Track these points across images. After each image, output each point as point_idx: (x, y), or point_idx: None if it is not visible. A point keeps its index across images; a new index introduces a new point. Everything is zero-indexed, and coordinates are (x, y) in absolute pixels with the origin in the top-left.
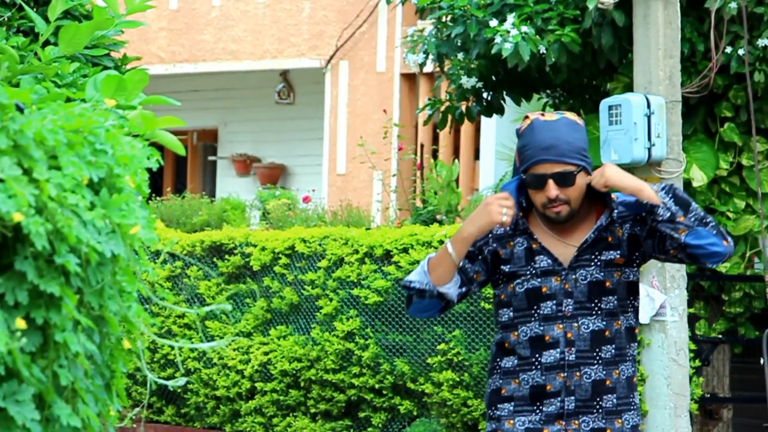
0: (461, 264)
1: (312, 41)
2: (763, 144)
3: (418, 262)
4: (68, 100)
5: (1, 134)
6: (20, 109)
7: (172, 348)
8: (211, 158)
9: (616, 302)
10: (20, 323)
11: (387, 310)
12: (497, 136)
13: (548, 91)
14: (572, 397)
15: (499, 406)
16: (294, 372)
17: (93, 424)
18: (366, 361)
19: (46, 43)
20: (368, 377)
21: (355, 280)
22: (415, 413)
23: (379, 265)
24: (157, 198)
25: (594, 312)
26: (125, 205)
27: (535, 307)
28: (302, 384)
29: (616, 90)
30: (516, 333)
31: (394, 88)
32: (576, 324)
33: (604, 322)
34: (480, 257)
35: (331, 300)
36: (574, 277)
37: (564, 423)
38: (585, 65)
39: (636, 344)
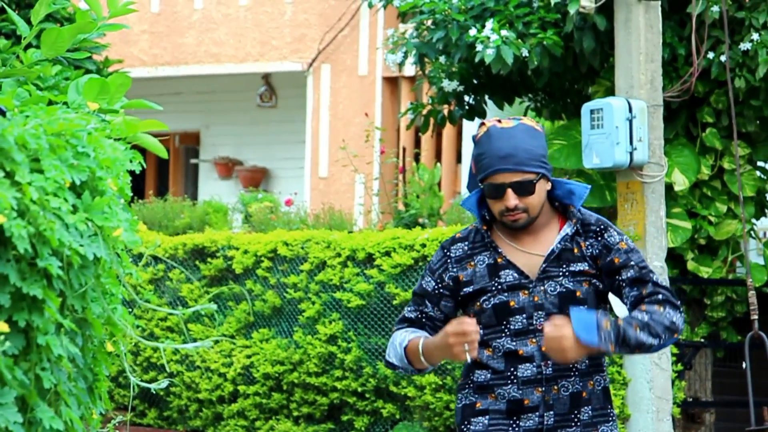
0: (431, 314)
1: (294, 44)
2: (744, 148)
3: (400, 265)
4: (50, 103)
5: None
6: (2, 113)
7: (155, 351)
8: (193, 161)
9: None
10: (3, 326)
11: (369, 314)
12: None
13: (530, 95)
14: (551, 412)
15: (473, 420)
16: (276, 375)
17: (76, 427)
18: (349, 365)
19: (28, 46)
20: (351, 380)
21: (338, 284)
22: (397, 416)
23: (362, 268)
24: (139, 201)
25: None
26: (107, 207)
27: (505, 323)
28: (285, 387)
29: (597, 94)
30: (490, 348)
31: (376, 92)
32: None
33: None
34: (442, 293)
35: (313, 303)
36: (542, 288)
37: None
38: (567, 69)
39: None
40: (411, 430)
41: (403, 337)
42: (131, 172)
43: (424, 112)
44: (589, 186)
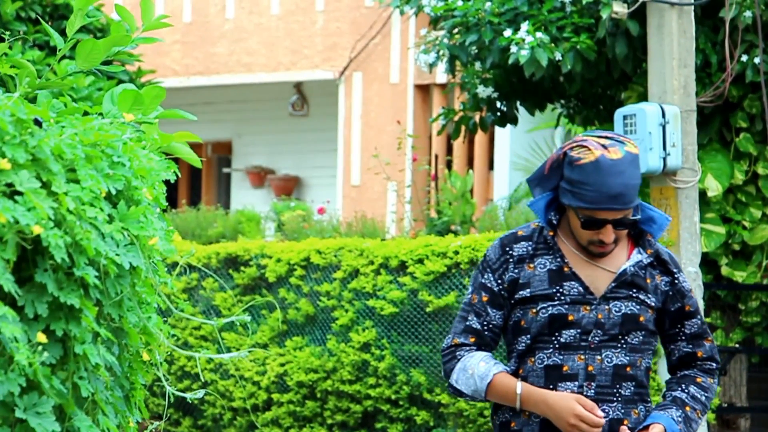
0: (494, 322)
1: (325, 53)
2: None
3: (433, 272)
4: (85, 114)
5: (19, 148)
6: (38, 124)
7: (189, 359)
8: (225, 170)
9: (641, 338)
10: (41, 337)
11: (403, 321)
12: (511, 146)
13: (562, 102)
14: None
15: None
16: (310, 383)
17: None
18: (382, 372)
19: (62, 57)
20: (384, 388)
21: (371, 291)
22: (431, 424)
23: (395, 276)
24: (173, 210)
25: (620, 345)
26: (143, 217)
27: (557, 334)
28: (318, 395)
29: (630, 100)
30: (532, 359)
31: (407, 99)
32: (599, 357)
33: (628, 358)
34: (503, 294)
35: (346, 311)
36: (607, 307)
37: None
38: (599, 75)
39: (648, 386)
40: None
41: (484, 370)
42: (165, 182)
43: (456, 118)
44: (670, 218)
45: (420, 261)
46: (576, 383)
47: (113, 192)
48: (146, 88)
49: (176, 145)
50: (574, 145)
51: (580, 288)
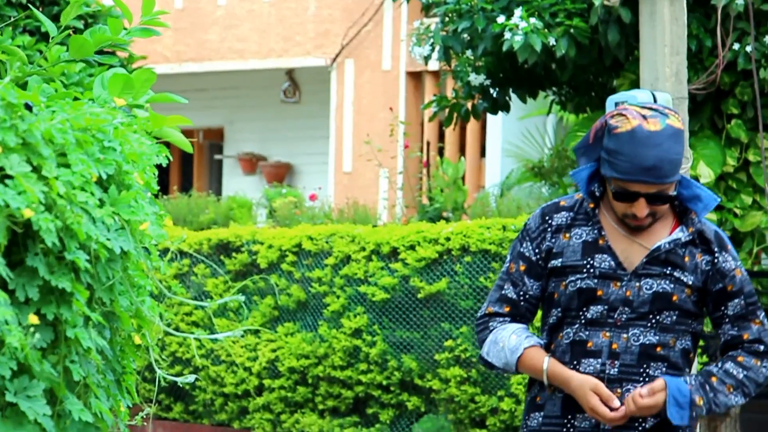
0: (531, 293)
1: (317, 40)
2: None
3: (424, 259)
4: (75, 99)
5: (10, 132)
6: (29, 108)
7: (180, 345)
8: (217, 157)
9: (675, 318)
10: (33, 319)
11: (394, 307)
12: (503, 133)
13: (554, 89)
14: None
15: (531, 415)
16: (302, 369)
17: (105, 419)
18: (373, 358)
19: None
20: (376, 374)
21: (362, 278)
22: (422, 409)
23: (386, 262)
24: (164, 197)
25: (649, 324)
26: (134, 201)
27: (584, 309)
28: (310, 381)
29: (622, 87)
30: (561, 334)
31: (399, 86)
32: (625, 335)
33: (657, 337)
34: (541, 264)
35: (338, 297)
36: (637, 284)
37: None
38: (591, 62)
39: (689, 370)
40: (436, 423)
41: (515, 344)
42: (156, 168)
43: (448, 107)
44: (719, 198)
45: (411, 247)
46: (599, 360)
47: (104, 177)
48: (137, 72)
49: (167, 130)
50: (616, 113)
51: (612, 262)
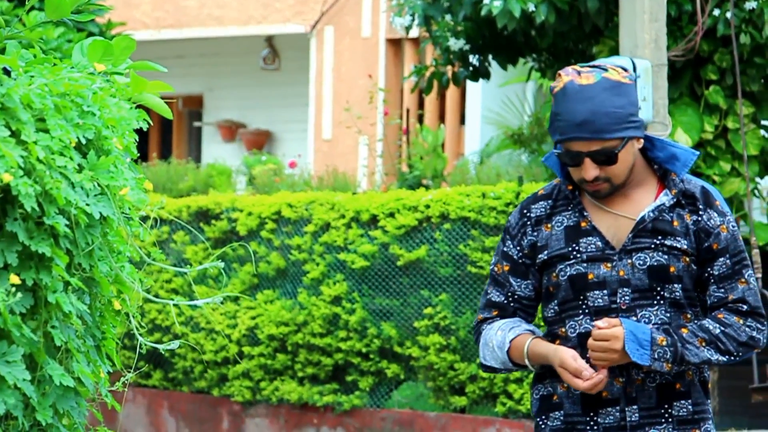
0: (519, 293)
1: (297, 6)
2: (748, 107)
3: (404, 226)
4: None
5: None
6: (7, 73)
7: (160, 312)
8: (196, 124)
9: (681, 292)
10: (14, 279)
11: (373, 275)
12: (483, 100)
13: (534, 56)
14: (635, 406)
15: (550, 415)
16: (281, 336)
17: (86, 384)
18: (353, 326)
19: (31, 8)
20: (355, 341)
21: (342, 245)
22: (402, 377)
23: (366, 229)
24: (143, 163)
25: (656, 302)
26: (113, 166)
27: (582, 298)
28: (289, 348)
29: (601, 54)
30: (563, 329)
31: (379, 54)
32: (634, 318)
33: (668, 314)
34: (526, 262)
35: (317, 264)
36: (629, 261)
37: None
38: (571, 29)
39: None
40: (415, 391)
41: (501, 339)
42: (136, 132)
43: (428, 73)
44: (698, 152)
45: (391, 215)
46: None
47: (83, 142)
48: (116, 39)
49: (147, 96)
50: (557, 75)
51: (599, 242)
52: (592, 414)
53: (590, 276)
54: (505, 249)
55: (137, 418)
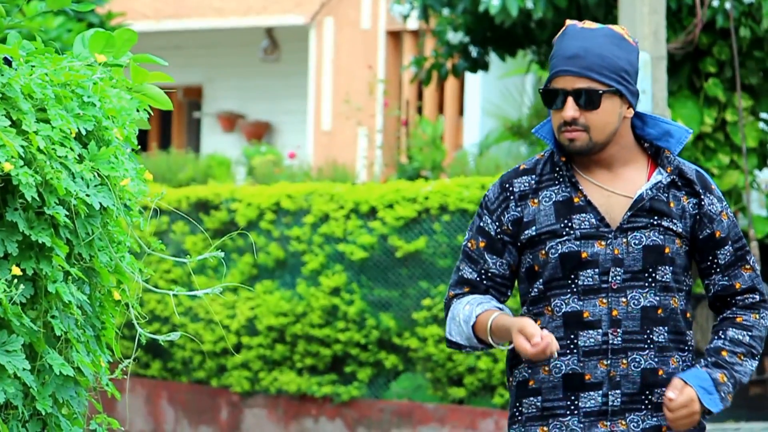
0: (493, 270)
1: None
2: (747, 100)
3: (403, 217)
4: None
5: None
6: (8, 63)
7: (159, 302)
8: (196, 115)
9: (671, 275)
10: (16, 270)
11: (372, 266)
12: (482, 92)
13: (533, 48)
14: (617, 391)
15: (524, 401)
16: (280, 327)
17: (86, 373)
18: (352, 317)
19: None
20: (354, 332)
21: (341, 236)
22: (400, 368)
23: (365, 220)
24: (143, 153)
25: (647, 284)
26: (114, 157)
27: (573, 276)
28: (288, 339)
29: None
30: (549, 308)
31: (379, 45)
32: (624, 299)
33: (658, 298)
34: (504, 239)
35: (316, 255)
36: (624, 240)
37: (609, 424)
38: None
39: (692, 333)
40: (413, 382)
41: (468, 312)
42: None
43: (427, 65)
44: (691, 130)
45: (390, 206)
46: (600, 331)
47: (83, 132)
48: (118, 31)
49: (147, 87)
50: None
51: (593, 219)
52: (573, 398)
53: (584, 255)
54: (481, 224)
55: (136, 408)
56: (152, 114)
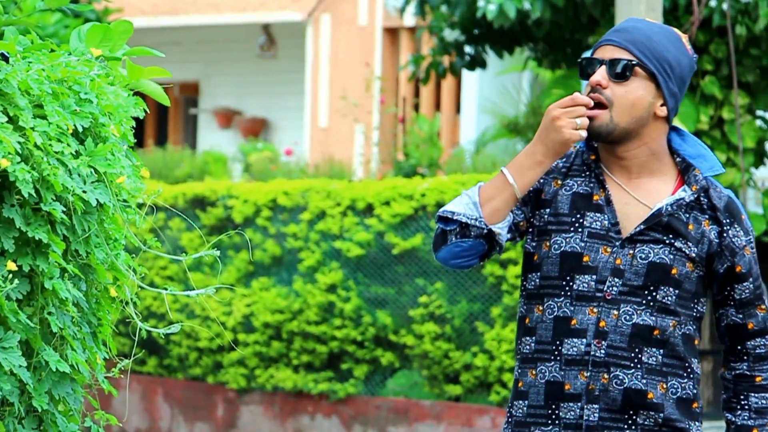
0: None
1: None
2: (743, 98)
3: (399, 214)
4: (52, 51)
5: None
6: (5, 59)
7: (155, 299)
8: (192, 111)
9: (674, 298)
10: (11, 265)
11: (369, 263)
12: (479, 89)
13: (530, 45)
14: (595, 405)
15: (515, 403)
16: (276, 324)
17: (82, 370)
18: (348, 314)
19: None
20: (350, 329)
21: (338, 233)
22: (396, 365)
23: (361, 217)
24: (139, 149)
25: (645, 302)
26: (110, 154)
27: (568, 279)
28: (284, 336)
29: None
30: (541, 307)
31: (376, 42)
32: (615, 311)
33: (654, 318)
34: (528, 195)
35: (313, 252)
36: (630, 252)
37: None
38: (567, 19)
39: (697, 361)
40: (410, 379)
41: (472, 188)
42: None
43: (425, 63)
44: (724, 170)
45: (387, 203)
46: (584, 341)
47: (80, 129)
48: (114, 23)
49: (144, 83)
50: None
51: (606, 221)
52: (554, 407)
53: (585, 258)
54: None
55: (132, 405)
56: (149, 111)
